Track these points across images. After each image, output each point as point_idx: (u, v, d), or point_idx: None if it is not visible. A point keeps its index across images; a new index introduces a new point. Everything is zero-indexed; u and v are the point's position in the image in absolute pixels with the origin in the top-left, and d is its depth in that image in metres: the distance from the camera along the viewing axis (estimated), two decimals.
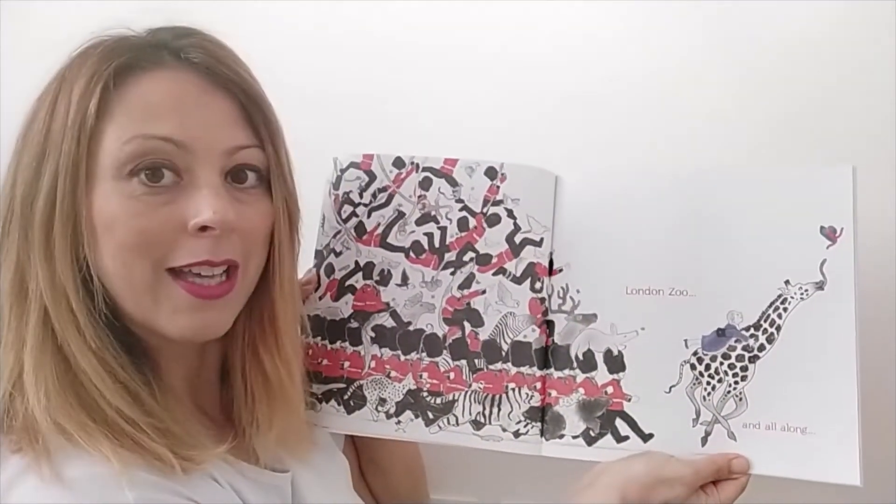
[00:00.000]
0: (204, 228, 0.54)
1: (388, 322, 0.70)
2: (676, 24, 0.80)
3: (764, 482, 0.63)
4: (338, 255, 0.72)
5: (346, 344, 0.71)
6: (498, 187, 0.70)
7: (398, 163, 0.72)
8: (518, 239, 0.69)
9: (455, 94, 0.86)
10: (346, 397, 0.70)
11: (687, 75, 0.80)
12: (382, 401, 0.69)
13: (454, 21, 0.86)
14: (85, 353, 0.53)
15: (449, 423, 0.68)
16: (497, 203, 0.70)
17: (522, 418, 0.67)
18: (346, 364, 0.70)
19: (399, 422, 0.69)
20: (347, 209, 0.72)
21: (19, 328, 0.53)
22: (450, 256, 0.70)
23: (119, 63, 0.54)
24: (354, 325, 0.71)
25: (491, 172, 0.70)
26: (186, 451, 0.53)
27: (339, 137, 0.83)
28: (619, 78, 0.82)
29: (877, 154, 0.75)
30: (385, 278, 0.71)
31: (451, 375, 0.68)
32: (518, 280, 0.69)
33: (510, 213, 0.69)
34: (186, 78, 0.56)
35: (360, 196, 0.72)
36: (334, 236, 0.72)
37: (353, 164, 0.73)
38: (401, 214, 0.71)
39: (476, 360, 0.68)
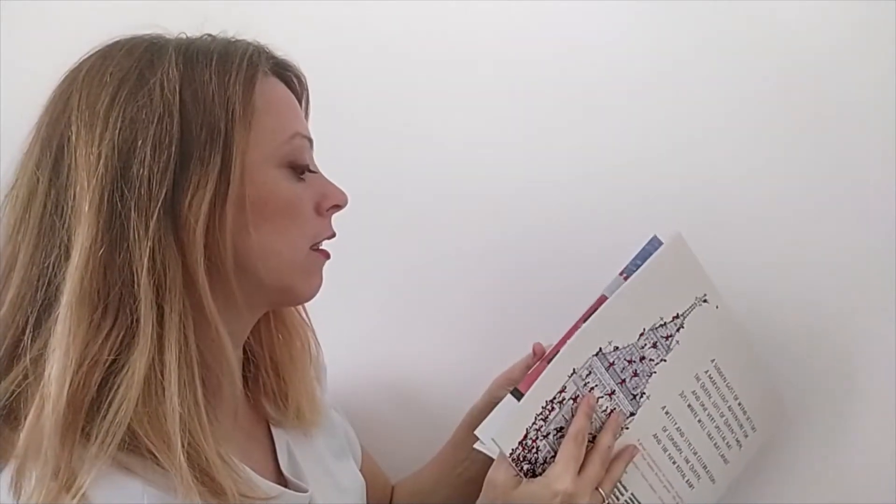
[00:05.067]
0: (334, 208, 0.63)
1: None
2: (678, 26, 0.79)
3: (765, 480, 0.64)
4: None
5: None
6: None
7: None
8: None
9: (457, 95, 0.86)
10: None
11: (687, 76, 0.79)
12: None
13: (456, 23, 0.85)
14: (228, 341, 0.56)
15: None
16: None
17: None
18: None
19: None
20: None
21: (160, 324, 0.52)
22: None
23: (259, 64, 0.59)
24: None
25: None
26: (239, 490, 0.54)
27: (341, 136, 0.84)
28: (622, 80, 0.80)
29: (877, 153, 0.74)
30: None
31: None
32: None
33: None
34: (282, 84, 0.62)
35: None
36: None
37: None
38: None
39: None
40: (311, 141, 0.62)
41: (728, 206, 0.78)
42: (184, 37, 0.59)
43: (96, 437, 0.50)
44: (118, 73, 0.55)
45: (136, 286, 0.52)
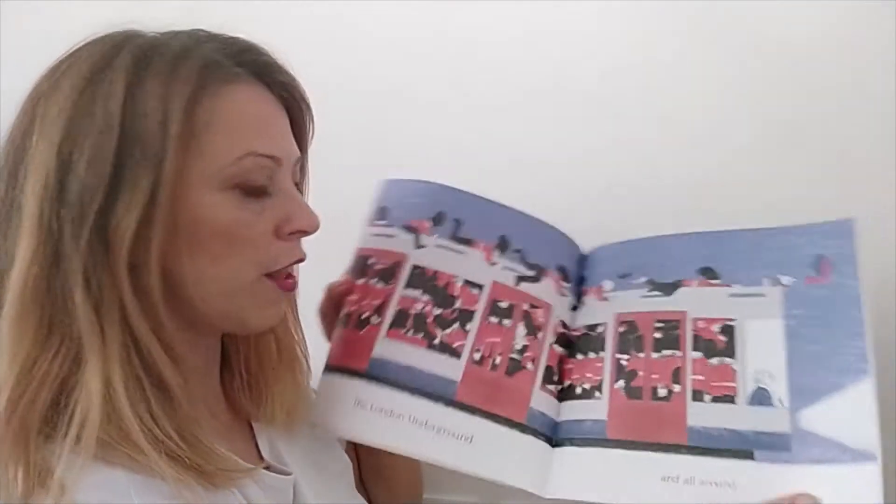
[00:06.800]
0: (296, 232, 0.59)
1: None
2: (679, 27, 0.81)
3: None
4: None
5: None
6: None
7: None
8: None
9: (457, 96, 0.87)
10: None
11: (688, 77, 0.81)
12: None
13: (458, 23, 0.86)
14: (164, 360, 0.53)
15: None
16: None
17: None
18: None
19: None
20: None
21: (102, 343, 0.51)
22: None
23: (216, 74, 0.55)
24: None
25: None
26: (218, 467, 0.54)
27: (340, 138, 0.82)
28: (624, 83, 0.83)
29: (876, 155, 0.75)
30: None
31: None
32: None
33: None
34: (263, 94, 0.59)
35: None
36: None
37: None
38: None
39: None
40: (273, 158, 0.57)
41: (728, 204, 0.81)
42: (153, 36, 0.56)
43: (61, 456, 0.49)
44: (73, 78, 0.53)
45: (73, 305, 0.51)
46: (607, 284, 0.70)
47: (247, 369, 0.66)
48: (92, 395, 0.50)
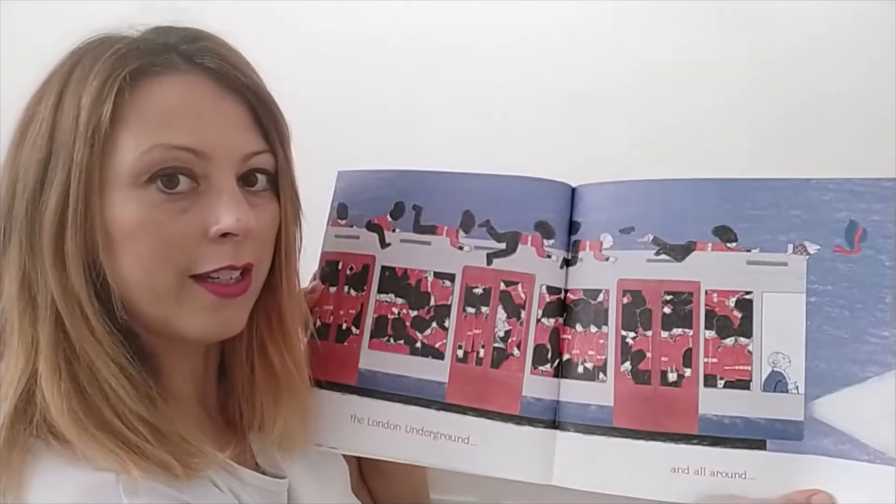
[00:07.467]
0: (226, 235, 0.54)
1: None
2: (683, 24, 0.82)
3: None
4: None
5: None
6: None
7: None
8: None
9: (455, 95, 0.89)
10: None
11: (692, 75, 0.82)
12: None
13: (457, 24, 0.88)
14: (103, 359, 0.52)
15: None
16: None
17: None
18: None
19: None
20: None
21: (33, 334, 0.52)
22: None
23: (133, 68, 0.53)
24: None
25: None
26: (189, 457, 0.53)
27: (338, 138, 0.87)
28: (624, 82, 0.85)
29: (877, 152, 0.75)
30: None
31: None
32: None
33: None
34: (200, 83, 0.55)
35: None
36: None
37: None
38: None
39: None
40: (194, 151, 0.53)
41: None
42: (107, 35, 0.56)
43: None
44: (38, 85, 0.55)
45: (10, 294, 0.53)
46: (606, 240, 0.61)
47: (243, 386, 0.63)
48: (12, 382, 0.51)
